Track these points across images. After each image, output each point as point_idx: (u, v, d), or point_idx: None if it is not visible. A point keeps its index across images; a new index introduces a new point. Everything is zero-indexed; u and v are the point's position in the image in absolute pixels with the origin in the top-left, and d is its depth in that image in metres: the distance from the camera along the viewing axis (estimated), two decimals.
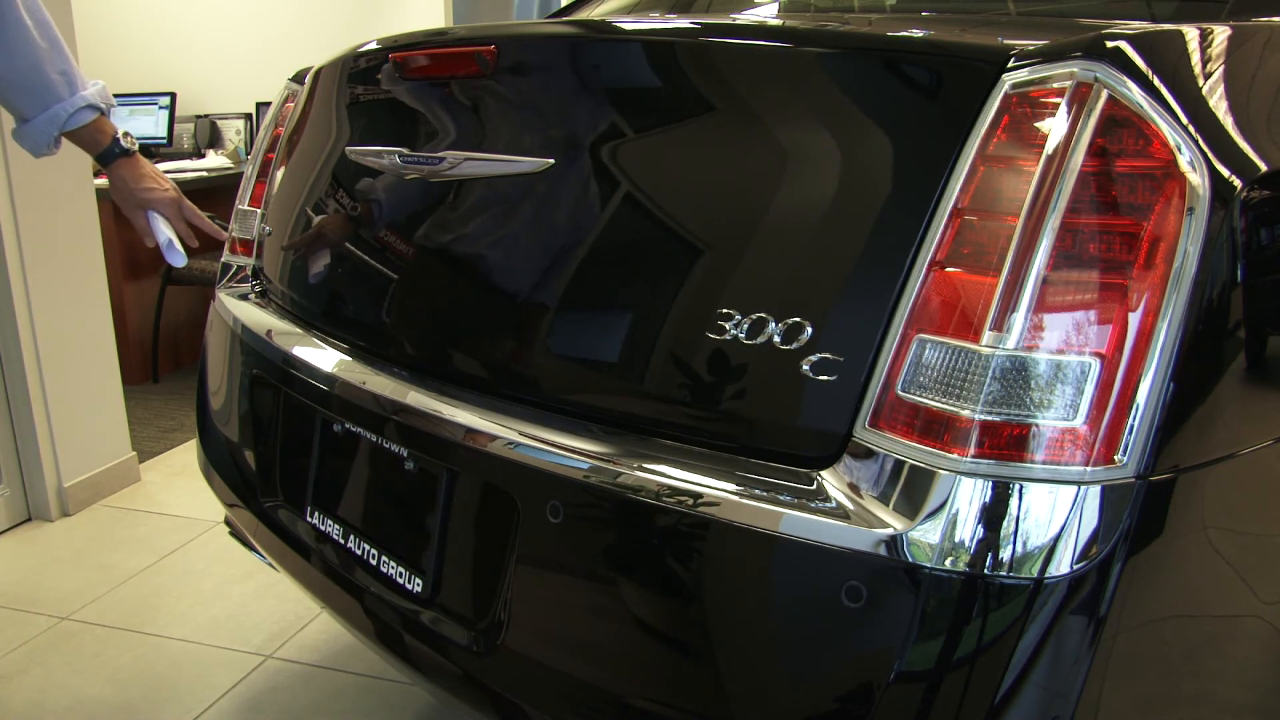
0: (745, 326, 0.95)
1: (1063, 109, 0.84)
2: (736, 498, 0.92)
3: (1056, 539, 0.82)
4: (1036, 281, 0.82)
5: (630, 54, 1.13)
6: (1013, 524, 0.82)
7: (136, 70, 4.78)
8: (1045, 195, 0.83)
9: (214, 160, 4.42)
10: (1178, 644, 0.93)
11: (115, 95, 5.32)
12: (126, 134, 1.61)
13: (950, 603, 0.83)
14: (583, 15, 1.84)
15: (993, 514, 0.82)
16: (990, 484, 0.82)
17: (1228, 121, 0.90)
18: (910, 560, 0.83)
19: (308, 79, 1.65)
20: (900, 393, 0.87)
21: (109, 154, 1.58)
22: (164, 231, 1.62)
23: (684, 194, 1.05)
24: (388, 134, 1.37)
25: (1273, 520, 0.99)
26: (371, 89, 1.43)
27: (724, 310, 0.96)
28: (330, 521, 1.39)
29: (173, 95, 4.61)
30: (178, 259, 1.64)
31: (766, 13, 1.64)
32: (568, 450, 1.05)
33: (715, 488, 0.94)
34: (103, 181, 3.73)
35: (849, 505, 0.87)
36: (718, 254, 1.00)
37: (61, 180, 2.67)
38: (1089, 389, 0.82)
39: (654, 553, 0.97)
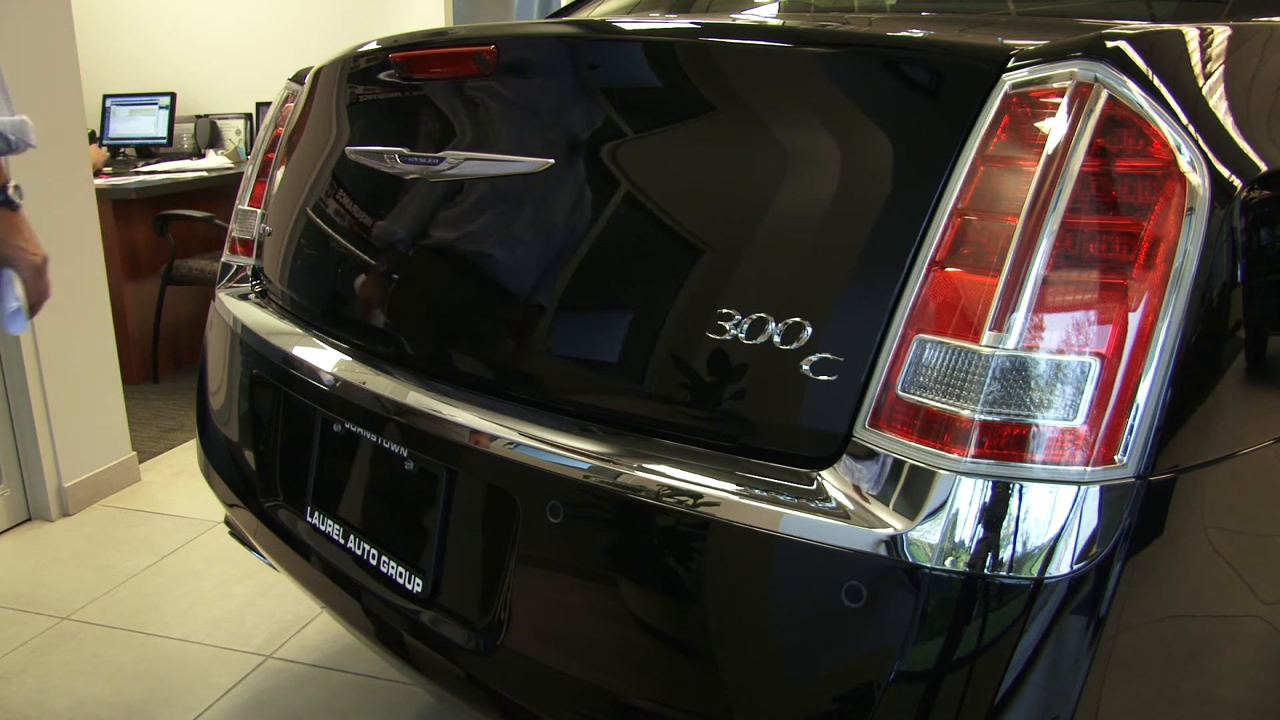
0: (745, 326, 0.95)
1: (1063, 109, 0.84)
2: (736, 498, 0.92)
3: (1056, 539, 0.82)
4: (1036, 281, 0.82)
5: (630, 54, 1.13)
6: (1013, 524, 0.82)
7: (136, 70, 4.79)
8: (1045, 195, 0.83)
9: (214, 160, 4.42)
10: (1178, 644, 0.93)
11: (115, 95, 5.25)
12: (17, 186, 1.49)
13: (950, 603, 0.83)
14: (583, 15, 1.84)
15: (993, 514, 0.82)
16: (990, 484, 0.82)
17: (1228, 121, 0.90)
18: (910, 560, 0.83)
19: (308, 79, 1.65)
20: (900, 393, 0.87)
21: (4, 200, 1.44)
22: (13, 297, 1.48)
23: (684, 194, 1.05)
24: (388, 134, 1.37)
25: (1273, 520, 0.99)
26: (371, 89, 1.43)
27: (724, 310, 0.96)
28: (330, 521, 1.39)
29: (173, 95, 4.61)
30: (19, 326, 1.50)
31: (766, 13, 1.64)
32: (568, 450, 1.05)
33: (715, 488, 0.94)
34: (103, 181, 3.74)
35: (849, 505, 0.87)
36: (718, 254, 1.00)
37: (61, 180, 2.67)
38: (1089, 389, 0.82)
39: (654, 553, 0.97)
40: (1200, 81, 0.91)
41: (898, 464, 0.86)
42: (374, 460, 1.34)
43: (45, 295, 1.50)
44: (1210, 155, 0.85)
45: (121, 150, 4.67)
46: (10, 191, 1.46)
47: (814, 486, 0.90)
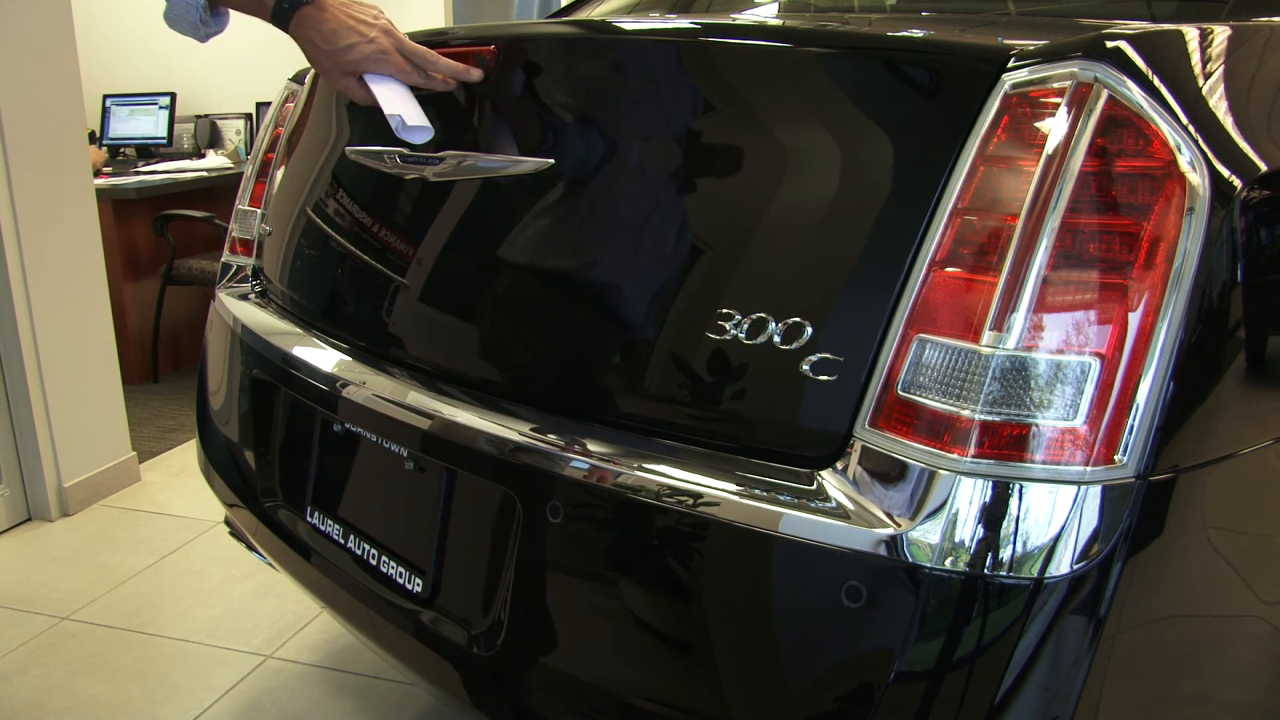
0: (745, 326, 0.95)
1: (1063, 109, 0.84)
2: (737, 498, 0.92)
3: (1056, 539, 0.82)
4: (1036, 281, 0.82)
5: (630, 54, 1.13)
6: (1013, 524, 0.82)
7: (136, 70, 4.78)
8: (1045, 195, 0.83)
9: (214, 160, 4.42)
10: (1178, 644, 0.93)
11: (115, 95, 5.20)
12: None
13: (950, 603, 0.83)
14: (583, 15, 1.84)
15: (993, 514, 0.82)
16: (990, 484, 0.82)
17: (1228, 121, 0.90)
18: (910, 560, 0.83)
19: (308, 79, 1.65)
20: (900, 392, 0.87)
21: (281, 11, 1.16)
22: (390, 100, 1.12)
23: (683, 194, 1.05)
24: (387, 133, 1.36)
25: (1273, 520, 0.99)
26: None
27: (724, 310, 0.96)
28: (330, 521, 1.39)
29: (173, 95, 4.60)
30: (418, 134, 1.16)
31: (766, 13, 1.64)
32: (568, 450, 1.05)
33: (715, 488, 0.94)
34: (103, 181, 3.74)
35: (849, 505, 0.87)
36: (718, 254, 1.00)
37: (61, 180, 2.67)
38: (1089, 389, 0.82)
39: (654, 553, 0.97)
40: (1200, 81, 0.91)
41: (898, 464, 0.86)
42: (374, 460, 1.34)
43: (414, 71, 1.17)
44: (1210, 155, 0.85)
45: (121, 150, 4.67)
46: None
47: (814, 486, 0.90)
